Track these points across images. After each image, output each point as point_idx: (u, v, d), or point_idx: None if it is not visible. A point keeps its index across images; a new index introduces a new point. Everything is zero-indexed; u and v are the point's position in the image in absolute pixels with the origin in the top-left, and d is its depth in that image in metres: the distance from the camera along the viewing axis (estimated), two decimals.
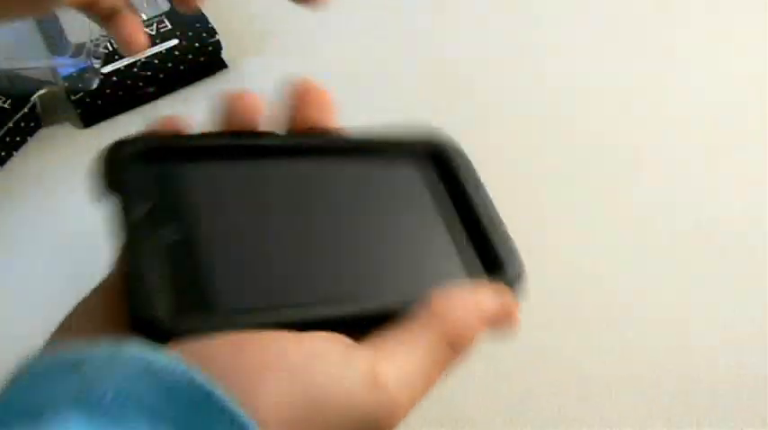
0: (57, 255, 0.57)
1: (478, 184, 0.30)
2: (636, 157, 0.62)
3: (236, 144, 0.28)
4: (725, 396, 0.48)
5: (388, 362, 0.23)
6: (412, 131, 0.31)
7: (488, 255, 0.28)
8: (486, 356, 0.50)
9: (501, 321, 0.26)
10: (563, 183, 0.61)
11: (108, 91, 0.65)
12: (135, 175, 0.25)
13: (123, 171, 0.25)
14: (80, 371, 0.19)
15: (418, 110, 0.68)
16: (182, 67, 0.68)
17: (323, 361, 0.22)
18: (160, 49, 0.67)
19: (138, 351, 0.20)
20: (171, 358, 0.20)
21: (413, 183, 0.30)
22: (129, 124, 0.66)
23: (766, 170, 0.61)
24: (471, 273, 0.28)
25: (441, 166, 0.31)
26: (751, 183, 0.60)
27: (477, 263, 0.28)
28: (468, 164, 0.31)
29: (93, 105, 0.66)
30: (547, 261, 0.56)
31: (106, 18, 0.37)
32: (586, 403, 0.48)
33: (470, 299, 0.26)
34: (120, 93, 0.66)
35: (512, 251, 0.29)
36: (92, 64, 0.72)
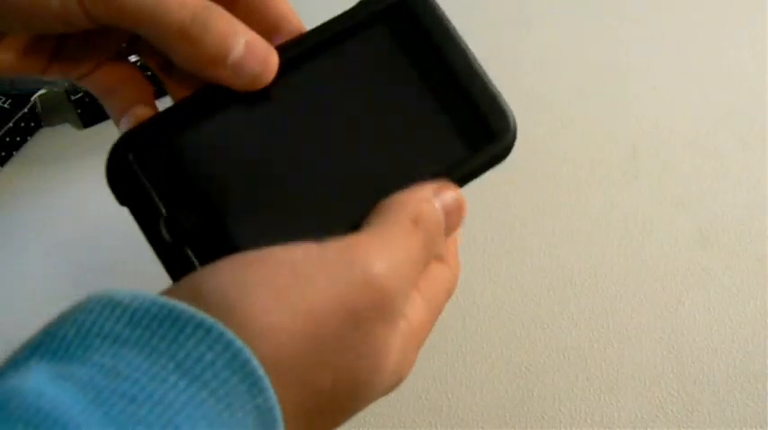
0: (57, 254, 0.57)
1: (450, 36, 0.27)
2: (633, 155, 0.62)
3: (214, 101, 0.27)
4: (725, 396, 0.48)
5: (375, 255, 0.22)
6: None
7: (474, 113, 0.26)
8: (485, 356, 0.50)
9: (451, 208, 0.25)
10: (569, 184, 0.61)
11: None
12: (137, 183, 0.25)
13: (123, 184, 0.25)
14: (46, 325, 0.19)
15: None
16: None
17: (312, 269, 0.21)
18: None
19: (100, 293, 0.19)
20: (134, 290, 0.19)
21: (386, 55, 0.27)
22: None
23: (766, 170, 0.61)
24: (463, 139, 0.26)
25: (410, 26, 0.27)
26: (753, 184, 0.60)
27: (466, 126, 0.26)
28: (435, 15, 0.27)
29: (93, 105, 0.66)
30: (545, 260, 0.56)
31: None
32: (587, 403, 0.48)
33: (423, 186, 0.25)
34: None
35: (497, 104, 0.26)
36: None
